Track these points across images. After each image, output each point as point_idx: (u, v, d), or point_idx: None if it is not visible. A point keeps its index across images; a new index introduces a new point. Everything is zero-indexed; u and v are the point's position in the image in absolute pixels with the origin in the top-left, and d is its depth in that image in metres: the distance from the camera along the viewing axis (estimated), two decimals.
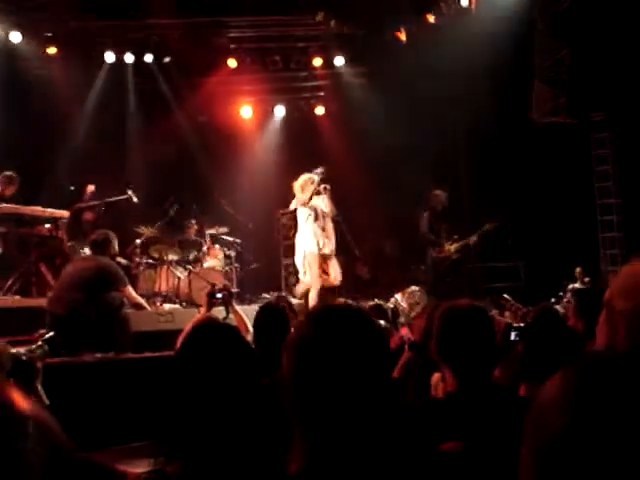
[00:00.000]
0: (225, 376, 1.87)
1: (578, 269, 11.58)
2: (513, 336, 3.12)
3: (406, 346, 3.68)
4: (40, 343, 3.58)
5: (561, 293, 10.49)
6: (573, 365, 0.92)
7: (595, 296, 2.41)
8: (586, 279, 11.28)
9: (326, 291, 9.16)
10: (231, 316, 5.85)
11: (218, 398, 1.84)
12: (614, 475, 0.81)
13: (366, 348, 1.31)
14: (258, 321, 4.86)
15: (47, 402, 3.32)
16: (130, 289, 7.70)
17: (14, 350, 3.41)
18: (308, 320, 1.38)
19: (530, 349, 2.89)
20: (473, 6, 11.68)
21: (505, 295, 8.26)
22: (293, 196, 9.43)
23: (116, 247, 7.82)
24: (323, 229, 9.14)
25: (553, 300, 7.30)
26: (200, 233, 12.00)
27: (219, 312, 5.80)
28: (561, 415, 0.85)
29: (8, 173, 9.81)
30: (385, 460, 1.29)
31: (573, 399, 0.86)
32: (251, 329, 5.77)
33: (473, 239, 9.84)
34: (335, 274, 9.24)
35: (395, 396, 1.35)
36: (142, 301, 7.94)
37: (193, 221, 12.02)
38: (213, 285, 6.23)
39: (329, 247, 9.19)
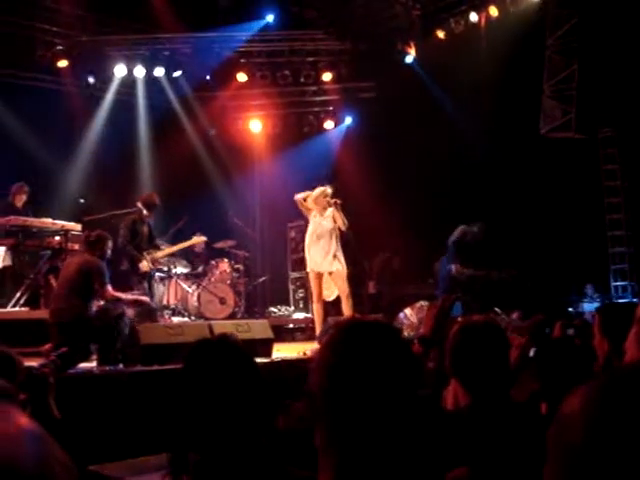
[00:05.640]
0: (229, 392, 1.86)
1: (588, 285, 11.56)
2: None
3: (416, 340, 3.73)
4: (53, 358, 3.58)
5: (570, 309, 10.46)
6: (596, 379, 0.91)
7: (621, 313, 2.32)
8: (595, 295, 11.26)
9: (325, 305, 9.13)
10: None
11: (224, 413, 1.84)
12: None
13: (397, 362, 1.31)
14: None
15: (59, 416, 3.32)
16: (109, 288, 7.30)
17: (27, 365, 3.41)
18: (339, 335, 1.37)
19: (546, 366, 2.87)
20: (482, 23, 11.74)
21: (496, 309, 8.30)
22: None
23: (109, 250, 7.57)
24: (323, 246, 8.96)
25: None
26: (208, 246, 11.99)
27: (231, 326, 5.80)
28: (583, 429, 0.85)
29: (19, 183, 9.99)
30: (411, 475, 1.28)
31: (595, 413, 0.85)
32: None
33: (495, 276, 10.04)
34: (330, 290, 9.13)
35: (422, 411, 1.34)
36: (122, 295, 7.68)
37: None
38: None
39: (325, 265, 8.97)
